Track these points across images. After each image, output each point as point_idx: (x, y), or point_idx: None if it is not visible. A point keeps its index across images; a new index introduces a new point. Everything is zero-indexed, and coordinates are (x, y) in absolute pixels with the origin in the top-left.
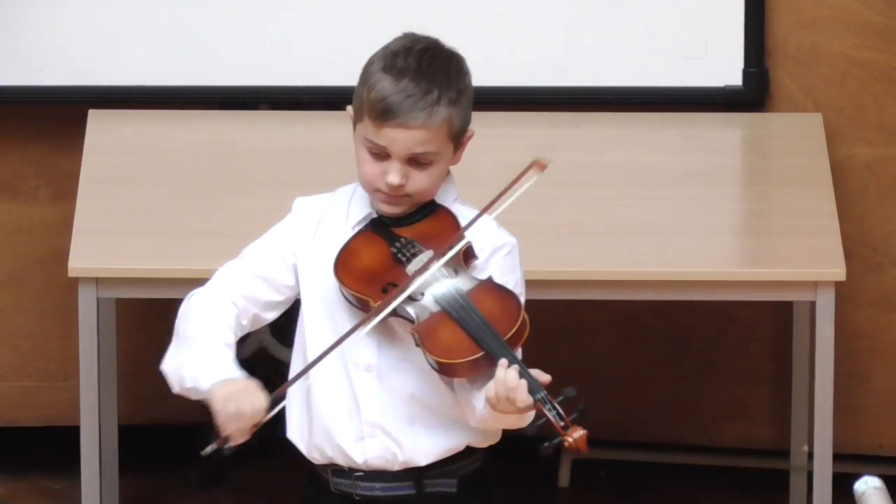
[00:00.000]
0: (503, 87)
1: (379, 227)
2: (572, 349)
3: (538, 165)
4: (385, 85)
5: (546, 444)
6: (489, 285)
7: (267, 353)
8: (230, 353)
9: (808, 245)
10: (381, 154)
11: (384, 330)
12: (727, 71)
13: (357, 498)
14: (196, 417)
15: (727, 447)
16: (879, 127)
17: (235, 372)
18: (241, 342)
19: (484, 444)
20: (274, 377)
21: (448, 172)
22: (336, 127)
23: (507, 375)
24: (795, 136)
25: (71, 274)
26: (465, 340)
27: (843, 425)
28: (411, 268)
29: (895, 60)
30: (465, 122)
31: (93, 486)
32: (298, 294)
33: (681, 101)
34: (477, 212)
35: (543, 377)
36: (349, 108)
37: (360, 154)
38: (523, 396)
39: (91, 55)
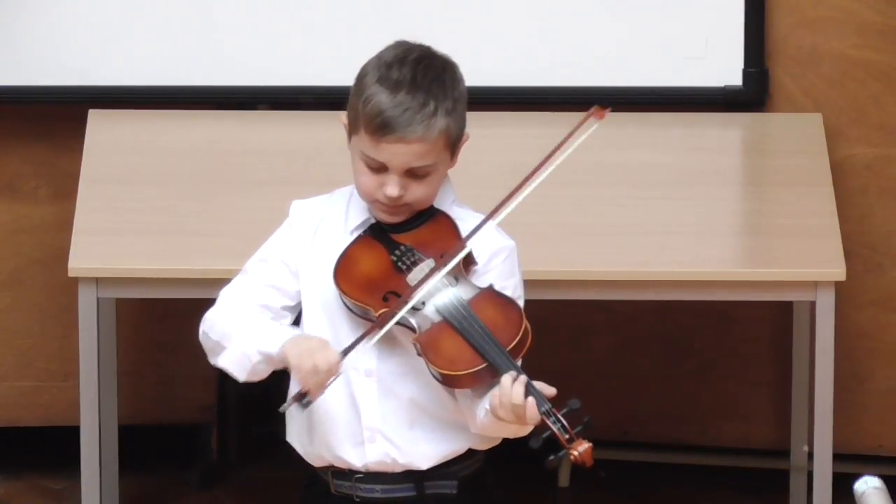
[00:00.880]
0: (503, 87)
1: (378, 233)
2: (572, 349)
3: (597, 113)
4: (381, 98)
5: (551, 457)
6: (490, 294)
7: None
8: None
9: (808, 245)
10: (378, 168)
11: (384, 337)
12: (727, 71)
13: (357, 500)
14: (196, 417)
15: (727, 447)
16: (879, 127)
17: (299, 331)
18: None
19: (485, 447)
20: (277, 382)
21: (446, 176)
22: (335, 127)
23: (513, 391)
24: (795, 136)
25: (71, 274)
26: (468, 351)
27: (843, 425)
28: (412, 277)
29: (895, 60)
30: (461, 129)
31: (93, 486)
32: None
33: (681, 101)
34: (475, 214)
35: (548, 390)
36: (342, 115)
37: (356, 165)
38: (532, 413)
39: (91, 55)
